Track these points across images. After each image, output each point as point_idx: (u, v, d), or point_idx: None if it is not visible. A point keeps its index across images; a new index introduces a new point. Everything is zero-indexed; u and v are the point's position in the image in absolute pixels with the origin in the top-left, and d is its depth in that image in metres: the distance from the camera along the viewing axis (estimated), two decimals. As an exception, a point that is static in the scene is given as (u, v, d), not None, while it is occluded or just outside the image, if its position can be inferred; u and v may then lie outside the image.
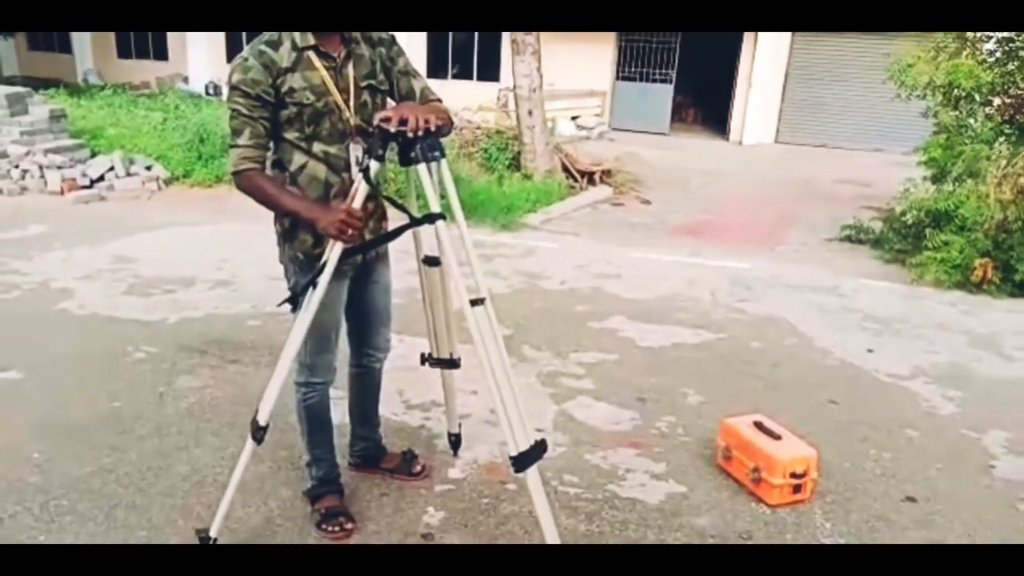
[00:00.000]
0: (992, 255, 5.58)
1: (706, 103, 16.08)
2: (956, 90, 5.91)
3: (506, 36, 13.75)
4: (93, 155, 8.15)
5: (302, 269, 2.39)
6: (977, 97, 5.97)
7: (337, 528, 2.57)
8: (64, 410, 3.33)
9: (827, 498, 2.90)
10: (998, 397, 3.87)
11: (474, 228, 6.74)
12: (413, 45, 15.78)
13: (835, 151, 13.34)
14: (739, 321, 4.82)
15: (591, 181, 9.00)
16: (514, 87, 8.74)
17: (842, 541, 2.67)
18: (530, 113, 8.54)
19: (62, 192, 7.39)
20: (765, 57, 13.98)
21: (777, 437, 2.89)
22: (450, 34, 15.74)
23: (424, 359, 2.81)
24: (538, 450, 2.15)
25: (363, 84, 2.32)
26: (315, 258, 2.31)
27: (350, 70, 2.29)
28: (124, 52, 18.30)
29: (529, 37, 8.37)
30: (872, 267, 6.27)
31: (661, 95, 14.97)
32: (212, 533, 2.38)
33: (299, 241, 2.36)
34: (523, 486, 2.79)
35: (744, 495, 2.90)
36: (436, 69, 15.82)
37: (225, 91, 11.54)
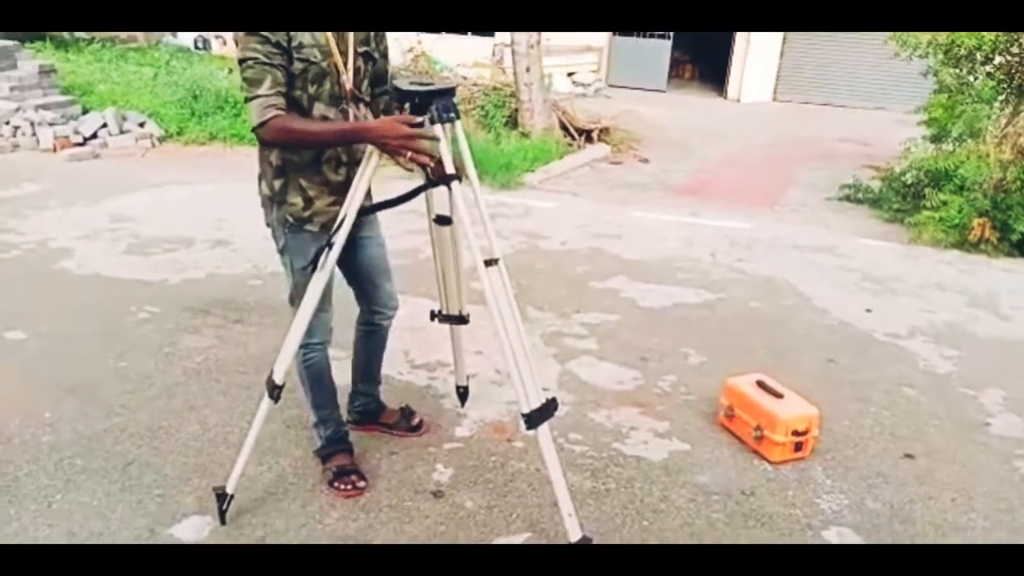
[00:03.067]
0: (990, 215, 5.61)
1: (704, 60, 15.91)
2: (957, 49, 5.85)
3: (502, -10, 13.50)
4: (84, 112, 8.02)
5: (292, 231, 2.39)
6: (978, 56, 5.92)
7: (349, 486, 2.61)
8: (71, 370, 3.34)
9: (827, 456, 2.97)
10: (995, 356, 3.94)
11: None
12: (406, -1, 15.49)
13: (836, 109, 13.26)
14: (739, 281, 4.85)
15: (589, 139, 8.94)
16: (511, 43, 8.61)
17: (842, 497, 2.73)
18: (528, 70, 8.44)
19: (55, 150, 7.30)
20: (764, 13, 13.79)
21: (779, 396, 2.94)
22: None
23: (433, 315, 2.83)
24: (549, 408, 2.19)
25: (360, 50, 2.32)
26: (305, 220, 2.35)
27: (350, 35, 2.27)
28: (110, 5, 17.87)
29: (527, -8, 8.22)
30: (871, 226, 6.29)
31: (658, 51, 14.78)
32: (229, 490, 2.42)
33: (288, 204, 2.36)
34: (530, 444, 2.87)
35: (746, 453, 2.96)
36: (430, 24, 15.55)
37: (215, 45, 11.23)
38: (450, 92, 2.19)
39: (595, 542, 2.36)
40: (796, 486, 2.78)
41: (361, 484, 2.64)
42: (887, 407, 3.36)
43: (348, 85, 2.28)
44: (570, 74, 13.96)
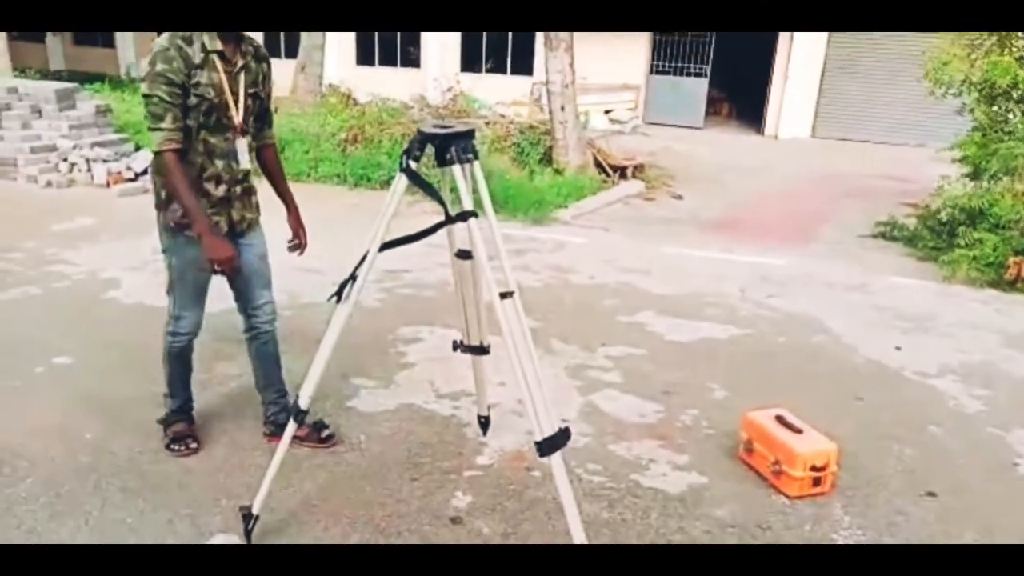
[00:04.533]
0: (1027, 254, 5.53)
1: (741, 97, 15.99)
2: (992, 88, 5.84)
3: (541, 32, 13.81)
4: (137, 149, 8.39)
5: (173, 234, 2.76)
6: (1014, 94, 5.90)
7: (183, 447, 3.02)
8: (113, 394, 3.50)
9: (847, 492, 2.96)
10: (1026, 396, 3.88)
11: (505, 222, 6.85)
12: (448, 40, 15.93)
13: (875, 146, 13.18)
14: (767, 317, 4.86)
15: (623, 176, 9.04)
16: (547, 82, 8.80)
17: (860, 533, 2.72)
18: (562, 108, 8.61)
19: (108, 185, 7.64)
20: (802, 50, 13.86)
21: (798, 431, 2.95)
22: (482, 31, 15.82)
23: (456, 346, 2.93)
24: (562, 437, 2.25)
25: (250, 91, 2.73)
26: (185, 227, 2.71)
27: (242, 78, 2.69)
28: (166, 47, 18.68)
29: (562, 33, 8.43)
30: (905, 264, 6.24)
31: (695, 89, 14.92)
32: (255, 510, 2.51)
33: (172, 211, 2.72)
34: (548, 474, 2.91)
35: (765, 487, 2.97)
36: (471, 63, 15.94)
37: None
38: (469, 135, 2.31)
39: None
40: (813, 521, 2.78)
41: (193, 445, 3.04)
42: (912, 445, 3.33)
43: (237, 120, 2.70)
44: (607, 112, 14.15)
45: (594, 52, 12.94)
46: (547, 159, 8.88)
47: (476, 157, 2.30)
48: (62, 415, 3.30)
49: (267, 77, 2.82)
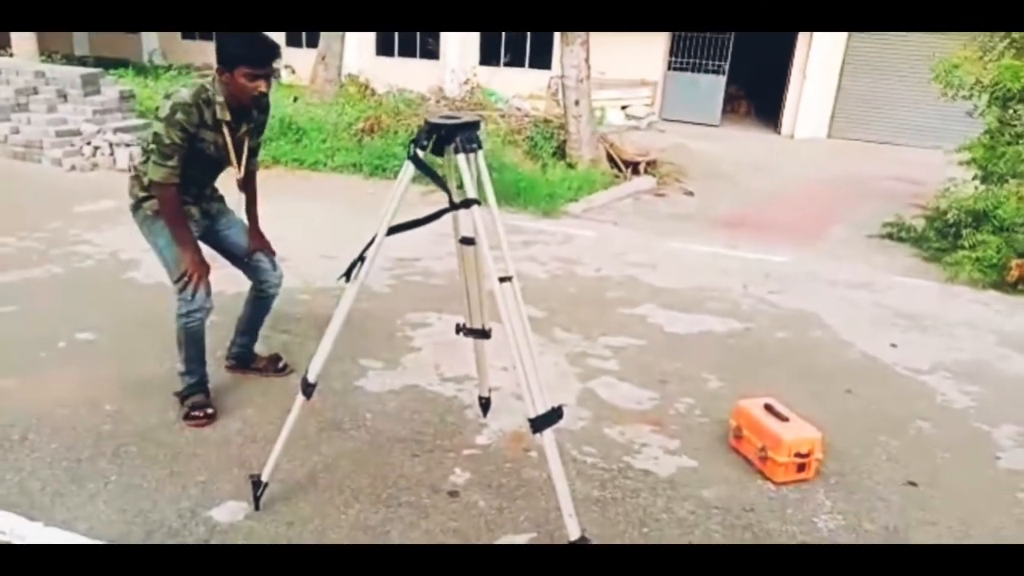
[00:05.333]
0: (1030, 256, 5.60)
1: (759, 95, 15.99)
2: (1003, 91, 5.89)
3: (558, 25, 13.86)
4: (159, 134, 8.57)
5: (153, 222, 3.10)
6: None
7: (202, 414, 3.22)
8: (133, 369, 3.67)
9: (831, 479, 3.08)
10: (1015, 394, 3.97)
11: (515, 214, 6.98)
12: (467, 33, 16.04)
13: (892, 147, 13.17)
14: (767, 313, 4.96)
15: (635, 171, 9.14)
16: (562, 76, 8.90)
17: (840, 518, 2.84)
18: (577, 103, 8.71)
19: (130, 169, 7.82)
20: (821, 50, 13.86)
21: (784, 419, 3.07)
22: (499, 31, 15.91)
23: (459, 329, 3.05)
24: (554, 415, 2.38)
25: (251, 146, 3.18)
26: (158, 214, 3.07)
27: (245, 138, 3.11)
28: (188, 34, 18.90)
29: (578, 28, 8.52)
30: (910, 264, 6.32)
31: (713, 86, 14.95)
32: (264, 478, 2.67)
33: (149, 204, 3.08)
34: (544, 454, 3.04)
35: (752, 472, 3.09)
36: (488, 57, 16.04)
37: (284, 74, 11.87)
38: (474, 125, 2.44)
39: (594, 543, 2.53)
40: (796, 505, 2.90)
41: (211, 411, 3.25)
42: (897, 437, 3.44)
43: (239, 176, 3.15)
44: (624, 107, 14.22)
45: (612, 47, 13.01)
46: (560, 153, 8.99)
47: (480, 147, 2.43)
48: (84, 387, 3.47)
49: (264, 124, 3.26)
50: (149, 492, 2.78)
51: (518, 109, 11.17)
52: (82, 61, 14.57)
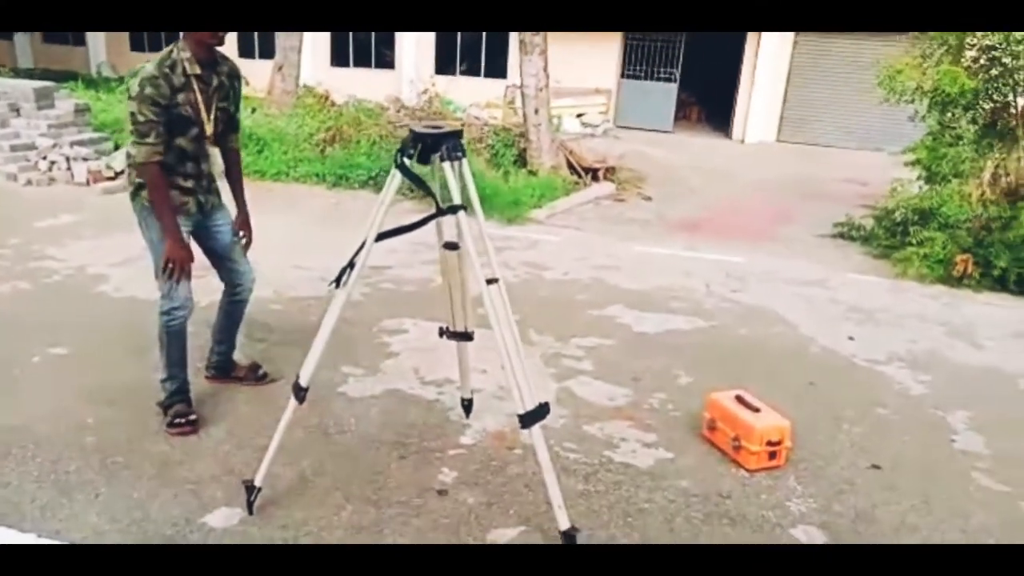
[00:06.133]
0: (973, 251, 5.89)
1: (709, 102, 16.38)
2: (941, 95, 6.20)
3: (513, 35, 14.06)
4: (116, 147, 8.47)
5: (149, 214, 3.09)
6: (962, 102, 6.26)
7: (184, 422, 3.23)
8: (111, 382, 3.66)
9: (800, 465, 3.24)
10: (966, 381, 4.21)
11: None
12: (422, 42, 16.12)
13: (837, 150, 13.63)
14: (730, 311, 5.15)
15: (595, 178, 9.32)
16: (521, 86, 9.05)
17: (811, 501, 3.00)
18: (536, 111, 8.86)
19: (88, 183, 7.73)
20: (767, 57, 14.28)
21: (756, 409, 3.22)
22: (459, 32, 16.06)
23: (442, 332, 3.13)
24: (542, 410, 2.49)
25: (220, 106, 3.16)
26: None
27: (215, 96, 3.11)
28: (137, 45, 18.61)
29: (536, 37, 8.68)
30: (861, 262, 6.59)
31: (665, 93, 15.27)
32: (257, 483, 2.71)
33: (146, 195, 3.06)
34: (528, 451, 3.16)
35: (726, 462, 3.23)
36: (445, 65, 16.14)
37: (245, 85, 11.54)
38: (458, 134, 2.54)
39: (582, 533, 2.63)
40: (769, 491, 3.05)
41: (193, 418, 3.26)
42: (859, 424, 3.63)
43: (208, 132, 3.13)
44: (579, 115, 14.45)
45: (567, 56, 13.21)
46: (521, 160, 9.12)
47: (464, 155, 2.53)
48: (63, 401, 3.46)
49: (238, 93, 3.27)
50: (140, 502, 2.80)
51: (476, 118, 11.29)
52: (28, 74, 14.26)
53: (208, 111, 3.09)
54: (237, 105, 3.30)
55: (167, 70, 2.95)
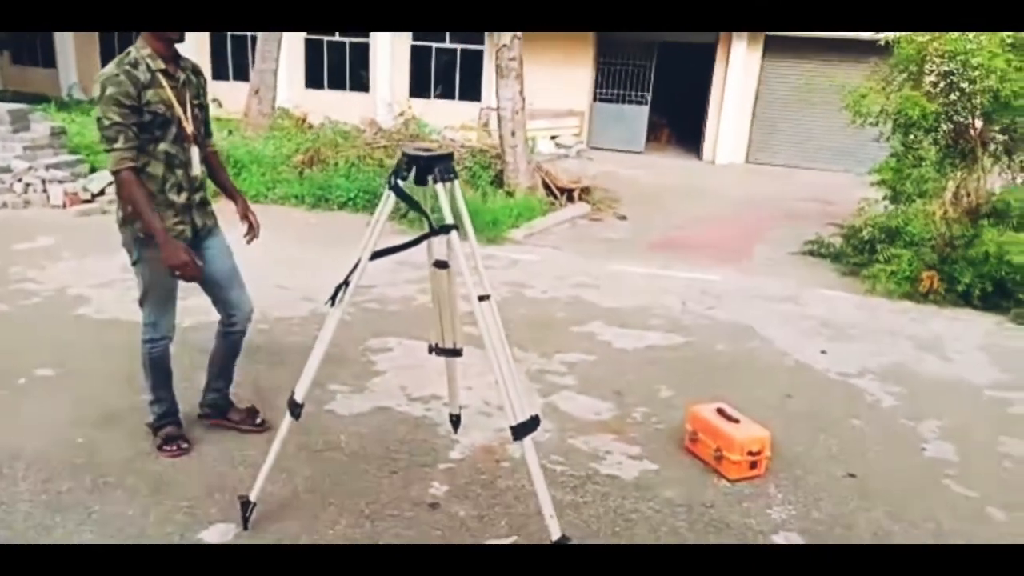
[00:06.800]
0: (938, 268, 6.11)
1: (680, 124, 16.70)
2: (904, 117, 6.44)
3: (489, 58, 14.26)
4: (92, 170, 8.45)
5: (142, 245, 2.98)
6: (924, 124, 6.51)
7: (175, 447, 3.22)
8: (99, 402, 3.67)
9: (780, 475, 3.35)
10: (934, 392, 4.36)
11: (461, 242, 7.17)
12: (397, 65, 16.26)
13: (804, 171, 13.97)
14: (707, 327, 5.28)
15: (570, 198, 9.47)
16: (498, 108, 9.20)
17: (790, 509, 3.10)
18: (513, 134, 9.00)
19: (64, 206, 7.69)
20: (735, 80, 14.62)
21: (736, 421, 3.34)
22: (433, 55, 16.24)
23: (431, 349, 3.20)
24: (533, 422, 2.57)
25: (194, 103, 3.03)
26: (152, 236, 2.90)
27: (186, 91, 2.98)
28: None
29: (513, 62, 8.84)
30: (831, 279, 6.78)
31: (637, 116, 15.56)
32: (252, 498, 2.75)
33: (139, 225, 2.93)
34: (516, 464, 3.25)
35: (708, 472, 3.33)
36: (420, 89, 16.28)
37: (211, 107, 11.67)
38: (449, 157, 2.64)
39: (572, 543, 2.71)
40: (750, 499, 3.15)
41: (184, 446, 3.24)
42: (835, 435, 3.75)
43: (190, 129, 2.97)
44: (553, 137, 14.64)
45: (541, 79, 13.42)
46: (498, 181, 9.24)
47: (456, 177, 2.62)
48: (51, 422, 3.47)
49: (204, 90, 3.15)
50: (134, 519, 2.82)
51: (452, 140, 11.41)
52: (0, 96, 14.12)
53: (183, 106, 2.93)
54: (206, 105, 3.17)
55: (128, 67, 2.77)
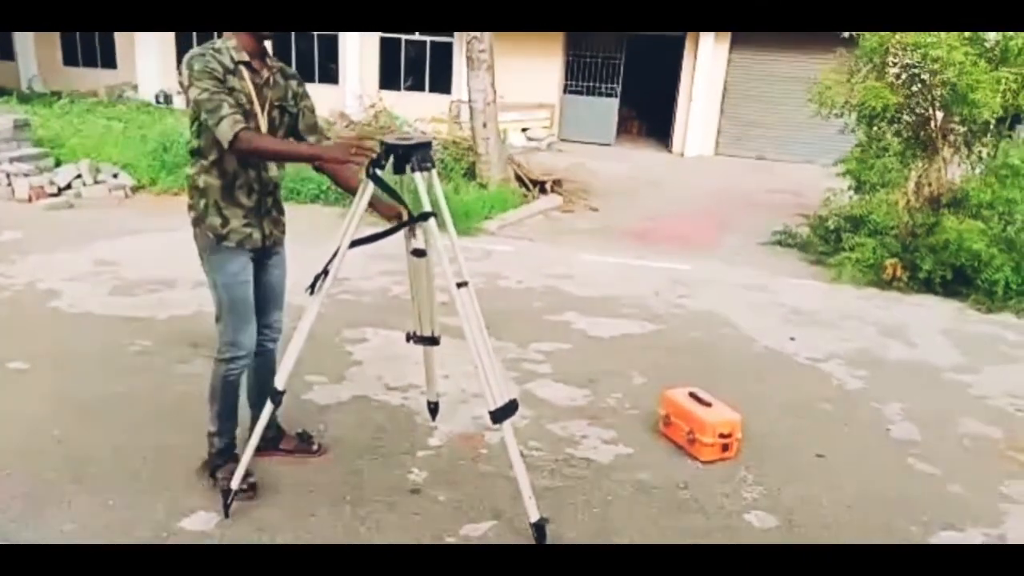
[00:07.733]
0: (901, 256, 6.27)
1: (650, 116, 16.83)
2: (868, 109, 6.58)
3: (459, 51, 14.25)
4: (57, 163, 8.33)
5: (212, 252, 2.78)
6: (887, 116, 6.66)
7: (250, 489, 2.87)
8: (74, 394, 3.66)
9: (751, 456, 3.44)
10: (899, 375, 4.50)
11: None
12: (366, 57, 16.18)
13: (771, 163, 14.17)
14: (679, 315, 5.38)
15: (543, 190, 9.53)
16: (469, 100, 9.21)
17: (761, 488, 3.20)
18: (485, 126, 9.03)
19: (30, 200, 7.57)
20: (704, 73, 14.76)
21: (708, 404, 3.42)
22: (403, 47, 16.18)
23: (409, 337, 3.22)
24: (512, 407, 2.63)
25: (276, 104, 2.79)
26: (223, 237, 2.75)
27: (268, 91, 2.76)
28: (70, 59, 18.16)
29: (484, 54, 8.86)
30: (798, 267, 6.92)
31: (607, 108, 15.64)
32: (233, 486, 2.77)
33: (208, 223, 2.75)
34: (494, 451, 3.30)
35: (681, 454, 3.41)
36: (389, 81, 16.21)
37: (177, 100, 11.75)
38: (427, 145, 2.67)
39: (551, 524, 2.77)
40: (723, 480, 3.24)
41: (252, 480, 2.89)
42: (803, 417, 3.86)
43: (263, 129, 2.72)
44: (524, 129, 14.68)
45: (511, 71, 13.43)
46: (471, 174, 9.27)
47: (434, 166, 2.66)
48: (28, 415, 3.45)
49: (298, 94, 2.88)
50: (115, 510, 2.83)
51: (423, 132, 11.40)
52: (-43, 89, 13.81)
53: (262, 105, 2.71)
54: (310, 108, 2.93)
55: (213, 51, 2.62)
